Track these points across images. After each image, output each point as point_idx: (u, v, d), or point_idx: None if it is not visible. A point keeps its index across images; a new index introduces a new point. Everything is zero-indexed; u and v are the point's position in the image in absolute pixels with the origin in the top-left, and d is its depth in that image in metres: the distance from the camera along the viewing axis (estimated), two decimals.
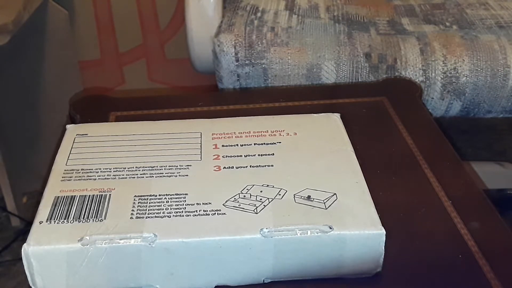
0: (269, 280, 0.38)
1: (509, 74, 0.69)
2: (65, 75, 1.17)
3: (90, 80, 1.25)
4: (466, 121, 1.17)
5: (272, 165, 0.42)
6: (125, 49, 1.25)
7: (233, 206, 0.38)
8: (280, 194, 0.39)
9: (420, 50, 0.70)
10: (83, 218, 0.37)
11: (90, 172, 0.41)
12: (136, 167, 0.42)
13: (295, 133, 0.46)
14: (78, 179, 0.40)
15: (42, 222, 0.37)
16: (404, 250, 0.40)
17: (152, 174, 0.41)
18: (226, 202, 0.38)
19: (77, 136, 0.45)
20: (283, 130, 0.46)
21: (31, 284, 0.36)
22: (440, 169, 0.48)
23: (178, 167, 0.42)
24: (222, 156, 0.43)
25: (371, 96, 0.59)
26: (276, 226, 0.36)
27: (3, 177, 0.95)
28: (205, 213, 0.37)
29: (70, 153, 0.43)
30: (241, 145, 0.44)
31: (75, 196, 0.39)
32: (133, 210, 0.37)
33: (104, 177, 0.41)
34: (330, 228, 0.36)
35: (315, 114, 0.48)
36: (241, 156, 0.43)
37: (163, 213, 0.37)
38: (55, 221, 0.37)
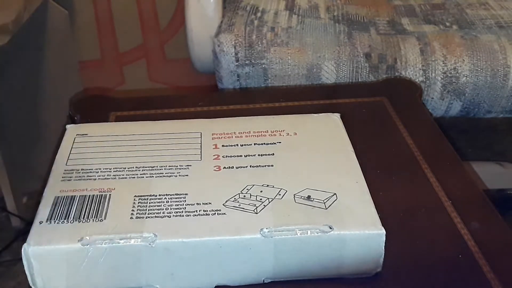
0: (269, 280, 0.38)
1: (509, 74, 0.69)
2: (65, 75, 1.17)
3: (90, 80, 1.25)
4: (466, 121, 1.17)
5: (272, 165, 0.42)
6: (125, 49, 1.25)
7: (233, 206, 0.38)
8: (280, 194, 0.39)
9: (420, 50, 0.70)
10: (83, 218, 0.37)
11: (90, 172, 0.41)
12: (136, 167, 0.42)
13: (295, 133, 0.46)
14: (78, 179, 0.40)
15: (42, 222, 0.37)
16: (404, 250, 0.40)
17: (152, 174, 0.41)
18: (226, 202, 0.38)
19: (77, 136, 0.45)
20: (283, 130, 0.46)
21: (31, 284, 0.36)
22: (440, 169, 0.48)
23: (178, 167, 0.42)
24: (222, 156, 0.43)
25: (371, 96, 0.59)
26: (276, 226, 0.36)
27: (3, 177, 0.95)
28: (205, 213, 0.37)
29: (70, 153, 0.43)
30: (241, 145, 0.44)
31: (75, 196, 0.39)
32: (133, 210, 0.37)
33: (104, 177, 0.41)
34: (330, 228, 0.36)
35: (315, 114, 0.48)
36: (241, 156, 0.43)
37: (163, 213, 0.37)
38: (55, 221, 0.37)
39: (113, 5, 1.20)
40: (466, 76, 0.69)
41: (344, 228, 0.36)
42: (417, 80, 0.69)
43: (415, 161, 0.49)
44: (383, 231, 0.37)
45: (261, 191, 0.39)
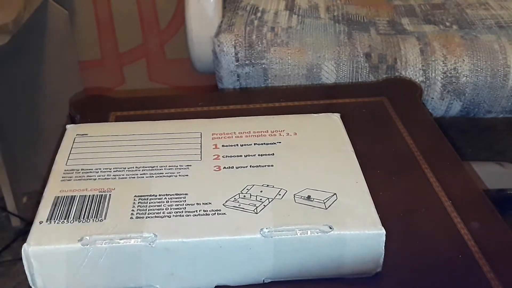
0: (269, 280, 0.38)
1: (509, 74, 0.69)
2: (65, 75, 1.17)
3: (90, 80, 1.25)
4: (466, 121, 1.17)
5: (272, 165, 0.42)
6: (125, 49, 1.25)
7: (233, 206, 0.38)
8: (280, 194, 0.39)
9: (420, 50, 0.70)
10: (83, 218, 0.37)
11: (90, 172, 0.41)
12: (136, 167, 0.42)
13: (295, 133, 0.46)
14: (78, 179, 0.40)
15: (42, 222, 0.37)
16: (404, 250, 0.40)
17: (152, 174, 0.41)
18: (226, 202, 0.38)
19: (77, 136, 0.45)
20: (283, 130, 0.46)
21: (31, 284, 0.36)
22: (440, 169, 0.48)
23: (178, 167, 0.42)
24: (222, 156, 0.43)
25: (371, 96, 0.59)
26: (276, 226, 0.36)
27: (3, 177, 0.95)
28: (205, 213, 0.37)
29: (70, 153, 0.43)
30: (241, 145, 0.44)
31: (75, 196, 0.39)
32: (133, 210, 0.37)
33: (104, 177, 0.41)
34: (330, 228, 0.36)
35: (315, 114, 0.48)
36: (241, 156, 0.43)
37: (163, 213, 0.37)
38: (55, 221, 0.37)
39: (113, 5, 1.20)
40: (466, 76, 0.69)
41: (344, 228, 0.36)
42: (417, 80, 0.69)
43: (415, 161, 0.49)
44: (383, 231, 0.37)
45: (261, 191, 0.39)
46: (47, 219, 0.37)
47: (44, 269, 0.36)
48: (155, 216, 0.37)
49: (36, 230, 0.36)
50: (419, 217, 0.43)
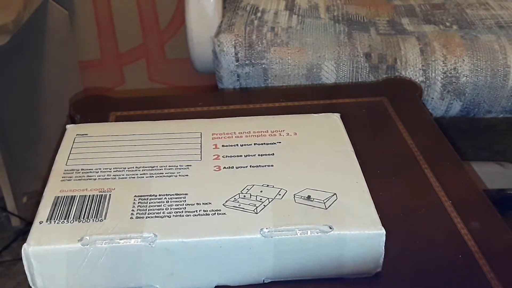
0: (269, 280, 0.38)
1: (509, 74, 0.69)
2: (65, 75, 1.17)
3: (90, 80, 1.25)
4: (466, 121, 1.17)
5: (272, 165, 0.42)
6: (125, 49, 1.25)
7: (233, 206, 0.38)
8: (280, 194, 0.39)
9: (420, 50, 0.70)
10: (83, 218, 0.37)
11: (90, 172, 0.41)
12: (136, 167, 0.42)
13: (295, 133, 0.46)
14: (78, 179, 0.40)
15: (42, 222, 0.37)
16: (404, 250, 0.40)
17: (152, 174, 0.41)
18: (226, 202, 0.38)
19: (77, 136, 0.45)
20: (283, 130, 0.46)
21: (31, 284, 0.36)
22: (440, 169, 0.48)
23: (178, 167, 0.42)
24: (222, 156, 0.43)
25: (371, 96, 0.59)
26: (276, 226, 0.36)
27: (3, 177, 0.95)
28: (205, 213, 0.37)
29: (70, 153, 0.43)
30: (241, 145, 0.44)
31: (75, 196, 0.39)
32: (133, 210, 0.38)
33: (104, 177, 0.41)
34: (330, 228, 0.36)
35: (315, 114, 0.48)
36: (241, 156, 0.43)
37: (163, 213, 0.37)
38: (55, 221, 0.37)
39: (113, 5, 1.20)
40: (466, 76, 0.69)
41: (344, 228, 0.36)
42: (417, 80, 0.69)
43: (415, 161, 0.49)
44: (383, 231, 0.37)
45: (261, 191, 0.39)
46: (47, 219, 0.37)
47: (44, 269, 0.36)
48: (155, 216, 0.37)
49: (36, 230, 0.36)
50: (419, 217, 0.43)
